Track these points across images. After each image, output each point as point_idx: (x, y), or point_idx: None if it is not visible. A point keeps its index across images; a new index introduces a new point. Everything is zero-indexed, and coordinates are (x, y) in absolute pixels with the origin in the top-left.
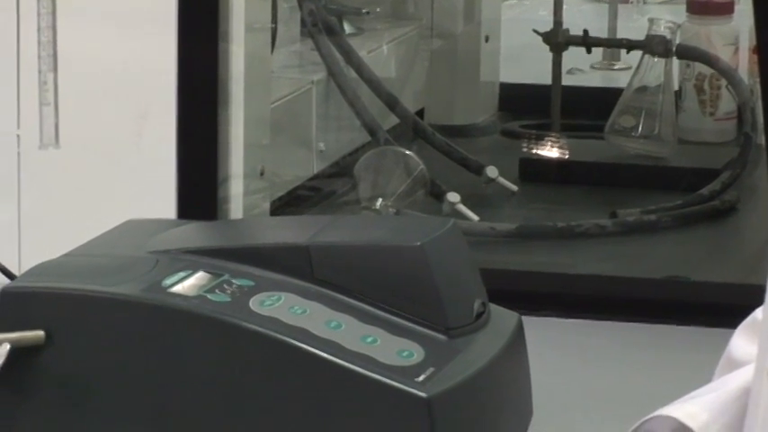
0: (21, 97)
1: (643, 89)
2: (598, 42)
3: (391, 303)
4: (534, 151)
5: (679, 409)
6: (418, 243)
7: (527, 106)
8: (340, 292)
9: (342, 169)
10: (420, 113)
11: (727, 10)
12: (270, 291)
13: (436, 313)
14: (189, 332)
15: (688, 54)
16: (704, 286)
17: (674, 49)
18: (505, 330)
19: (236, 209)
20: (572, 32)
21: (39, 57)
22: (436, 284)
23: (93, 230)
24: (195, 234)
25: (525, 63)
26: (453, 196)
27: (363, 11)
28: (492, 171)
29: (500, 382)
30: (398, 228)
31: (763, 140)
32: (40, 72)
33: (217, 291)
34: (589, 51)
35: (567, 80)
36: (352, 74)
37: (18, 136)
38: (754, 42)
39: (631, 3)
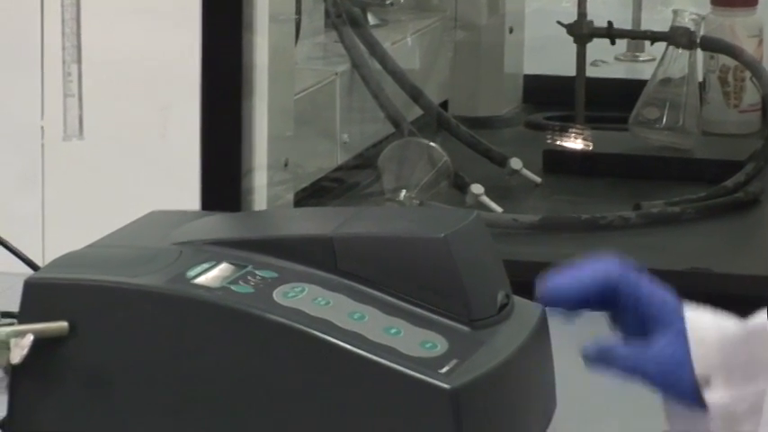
0: (45, 89)
1: (667, 81)
2: (622, 34)
3: (415, 295)
4: (558, 143)
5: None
6: (442, 235)
7: (551, 98)
8: (363, 283)
9: (365, 161)
10: (444, 105)
11: (751, 2)
12: (293, 282)
13: (460, 305)
14: (212, 324)
15: (712, 46)
16: (727, 278)
17: (698, 40)
18: (529, 322)
19: (259, 200)
20: (596, 24)
21: (63, 48)
22: (460, 276)
23: (117, 222)
24: (219, 225)
25: (549, 54)
26: (477, 188)
27: (387, 2)
28: (516, 163)
29: (524, 374)
30: (422, 219)
31: None
32: (64, 63)
33: (240, 282)
34: (613, 43)
35: (591, 72)
36: (376, 65)
37: (42, 127)
38: None
39: None
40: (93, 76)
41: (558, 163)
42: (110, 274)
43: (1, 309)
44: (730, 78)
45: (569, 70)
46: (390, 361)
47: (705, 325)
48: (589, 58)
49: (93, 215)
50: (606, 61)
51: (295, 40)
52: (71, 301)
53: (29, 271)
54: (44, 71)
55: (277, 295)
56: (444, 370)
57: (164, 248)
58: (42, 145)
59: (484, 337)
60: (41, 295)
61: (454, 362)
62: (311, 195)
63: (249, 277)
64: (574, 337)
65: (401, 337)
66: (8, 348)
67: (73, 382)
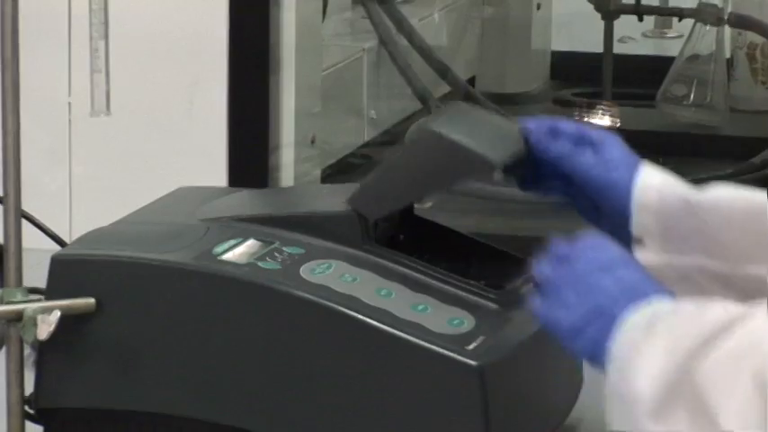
0: (72, 65)
1: (695, 58)
2: (650, 10)
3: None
4: (586, 119)
5: None
6: None
7: (579, 74)
8: (390, 260)
9: (393, 137)
10: (471, 81)
11: None
12: (320, 258)
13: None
14: (239, 300)
15: (740, 22)
16: None
17: (725, 17)
18: None
19: (286, 176)
20: (624, 0)
21: (90, 24)
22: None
23: (144, 198)
24: (246, 202)
25: (577, 31)
26: None
27: None
28: None
29: (550, 351)
30: None
31: None
32: (91, 39)
33: (267, 258)
34: (641, 19)
35: (618, 48)
36: (404, 42)
37: (69, 103)
38: None
39: None
40: (121, 52)
41: None
42: (137, 250)
43: (28, 285)
44: (758, 55)
45: (597, 47)
46: (417, 337)
47: (652, 186)
48: (617, 34)
49: (121, 191)
50: (634, 38)
51: (322, 15)
52: (98, 277)
53: (56, 247)
54: (71, 47)
55: (304, 272)
56: (471, 347)
57: (191, 225)
58: (69, 121)
59: (511, 314)
60: (68, 271)
61: (481, 338)
62: (338, 172)
63: (276, 254)
64: None
65: (428, 314)
66: (35, 324)
67: (99, 359)
